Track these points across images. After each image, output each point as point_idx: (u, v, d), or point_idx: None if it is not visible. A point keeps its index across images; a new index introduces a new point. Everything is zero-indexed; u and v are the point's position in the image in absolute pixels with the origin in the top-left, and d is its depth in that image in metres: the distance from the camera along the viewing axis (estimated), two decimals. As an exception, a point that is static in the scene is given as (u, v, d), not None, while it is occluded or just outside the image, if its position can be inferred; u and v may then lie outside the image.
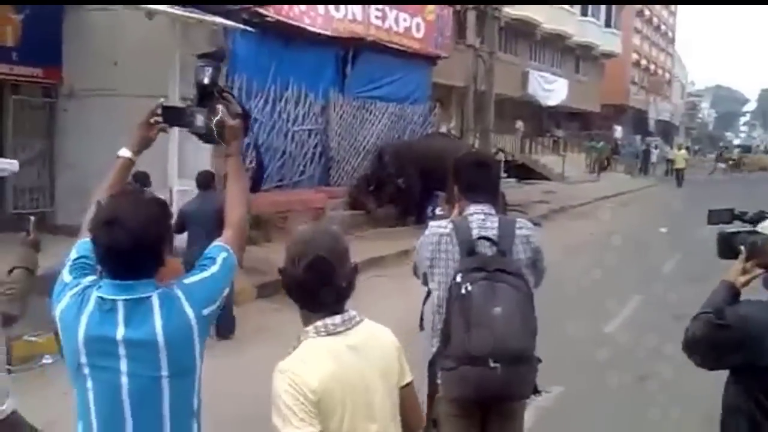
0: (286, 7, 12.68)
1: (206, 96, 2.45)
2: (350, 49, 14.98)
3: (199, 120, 2.41)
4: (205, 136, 2.46)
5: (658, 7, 55.50)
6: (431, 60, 17.91)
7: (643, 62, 51.06)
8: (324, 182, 14.71)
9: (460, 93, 20.85)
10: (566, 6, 33.64)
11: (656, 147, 38.95)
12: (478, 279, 2.95)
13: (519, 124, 29.89)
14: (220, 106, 2.42)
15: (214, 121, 2.40)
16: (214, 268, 2.15)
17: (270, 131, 13.23)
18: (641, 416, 5.57)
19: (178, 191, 9.68)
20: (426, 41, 17.15)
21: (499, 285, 2.95)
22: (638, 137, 44.68)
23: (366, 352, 2.12)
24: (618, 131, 40.96)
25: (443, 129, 20.58)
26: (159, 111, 2.43)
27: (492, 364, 2.87)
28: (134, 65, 11.12)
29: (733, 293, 2.64)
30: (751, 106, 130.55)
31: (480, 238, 3.08)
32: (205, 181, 7.70)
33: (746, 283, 2.66)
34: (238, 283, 7.95)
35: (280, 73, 12.69)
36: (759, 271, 2.64)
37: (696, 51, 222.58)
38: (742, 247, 2.67)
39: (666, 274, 10.96)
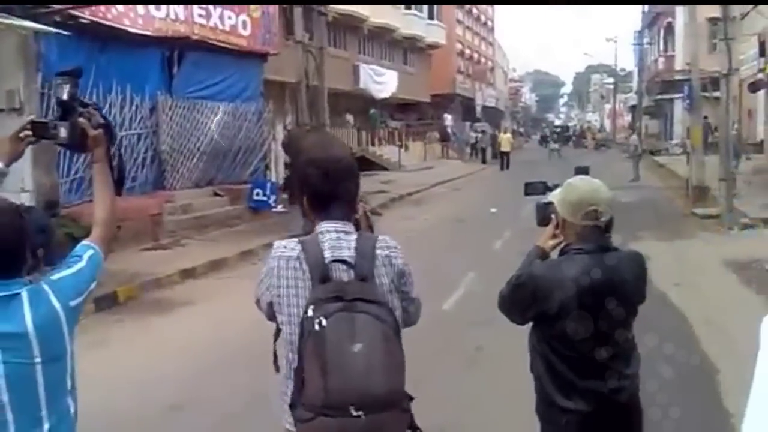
0: (102, 8, 12.16)
1: (67, 110, 2.64)
2: (176, 50, 14.64)
3: (63, 132, 2.62)
4: (70, 146, 2.70)
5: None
6: (261, 57, 17.82)
7: (467, 52, 53.36)
8: (159, 187, 14.30)
9: (293, 89, 20.84)
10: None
11: (483, 132, 40.91)
12: (333, 311, 2.42)
13: (349, 117, 30.43)
14: (81, 119, 2.61)
15: (77, 132, 2.61)
16: (80, 265, 2.37)
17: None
18: (481, 383, 5.95)
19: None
20: (254, 38, 17.05)
21: (359, 316, 2.43)
22: (467, 124, 46.80)
23: None
24: (448, 119, 42.59)
25: (279, 126, 20.60)
26: (28, 126, 2.62)
27: (354, 413, 2.37)
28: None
29: (543, 257, 3.00)
30: (567, 89, 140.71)
31: (334, 261, 2.55)
32: None
33: (554, 247, 3.03)
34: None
35: (100, 76, 12.16)
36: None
37: (515, 39, 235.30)
38: (553, 216, 3.02)
39: (497, 251, 11.63)
